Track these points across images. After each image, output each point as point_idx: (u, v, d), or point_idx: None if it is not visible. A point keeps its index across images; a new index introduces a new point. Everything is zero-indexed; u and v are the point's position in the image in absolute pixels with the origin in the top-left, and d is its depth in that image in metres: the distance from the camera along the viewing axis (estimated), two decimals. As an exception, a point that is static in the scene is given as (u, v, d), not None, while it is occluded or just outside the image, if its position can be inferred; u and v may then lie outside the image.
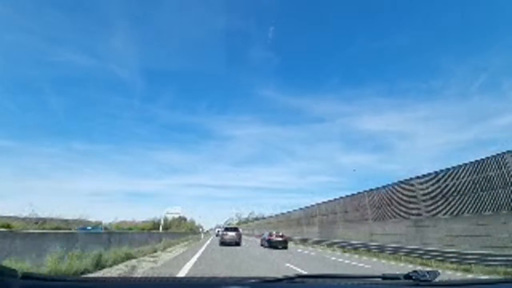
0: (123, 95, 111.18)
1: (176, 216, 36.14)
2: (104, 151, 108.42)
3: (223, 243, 21.09)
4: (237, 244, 21.60)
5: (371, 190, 20.21)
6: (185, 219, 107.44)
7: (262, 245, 21.82)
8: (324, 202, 28.37)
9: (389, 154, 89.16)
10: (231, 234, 22.36)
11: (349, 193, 24.66)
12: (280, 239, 20.16)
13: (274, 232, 21.99)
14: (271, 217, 49.81)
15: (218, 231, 34.58)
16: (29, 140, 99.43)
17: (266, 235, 22.03)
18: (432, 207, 13.26)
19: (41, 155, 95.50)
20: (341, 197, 24.58)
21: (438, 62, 75.47)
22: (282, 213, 41.12)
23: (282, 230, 36.10)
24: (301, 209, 35.94)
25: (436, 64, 74.97)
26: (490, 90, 64.90)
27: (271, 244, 19.24)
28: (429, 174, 14.98)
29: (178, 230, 43.84)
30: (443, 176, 14.48)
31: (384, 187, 18.94)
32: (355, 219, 21.76)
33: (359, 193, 21.64)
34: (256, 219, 75.86)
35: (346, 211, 23.88)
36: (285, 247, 19.51)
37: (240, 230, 28.68)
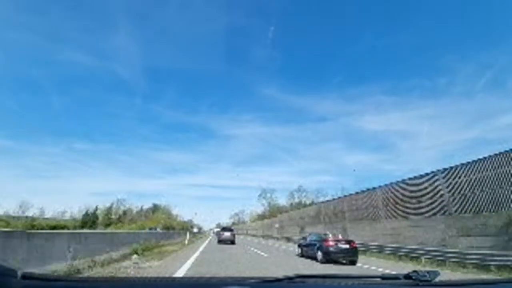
0: (124, 94, 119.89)
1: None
2: (106, 151, 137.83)
3: (220, 241, 26.30)
4: (232, 242, 25.97)
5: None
6: (157, 207, 79.46)
7: (303, 255, 16.29)
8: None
9: (392, 154, 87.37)
10: (227, 234, 26.69)
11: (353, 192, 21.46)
12: (346, 246, 13.61)
13: (330, 235, 15.13)
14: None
15: (217, 231, 34.09)
16: (30, 140, 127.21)
17: (311, 239, 16.10)
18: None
19: (42, 154, 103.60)
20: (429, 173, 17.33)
21: (443, 60, 72.41)
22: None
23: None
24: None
25: (441, 62, 72.02)
26: (495, 88, 61.95)
27: (329, 256, 13.31)
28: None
29: (118, 230, 29.51)
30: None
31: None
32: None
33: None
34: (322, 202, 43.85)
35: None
36: (354, 262, 13.60)
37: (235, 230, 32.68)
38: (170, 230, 43.47)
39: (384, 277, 1.24)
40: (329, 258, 13.32)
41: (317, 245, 14.27)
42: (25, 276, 1.08)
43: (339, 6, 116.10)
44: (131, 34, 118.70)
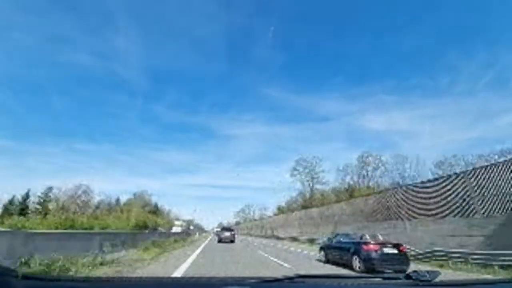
0: (125, 94, 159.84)
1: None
2: (106, 151, 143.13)
3: (220, 240, 27.18)
4: (232, 241, 27.02)
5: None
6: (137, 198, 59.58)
7: (328, 261, 14.16)
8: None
9: (394, 153, 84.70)
10: (226, 234, 27.08)
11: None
12: (393, 251, 11.05)
13: (367, 236, 12.47)
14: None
15: (217, 231, 43.09)
16: (30, 140, 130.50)
17: (339, 240, 13.96)
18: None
19: (42, 155, 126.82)
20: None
21: (445, 58, 71.09)
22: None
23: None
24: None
25: (443, 61, 70.64)
26: (497, 87, 60.27)
27: (371, 264, 10.75)
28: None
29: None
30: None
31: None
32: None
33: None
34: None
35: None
36: (403, 272, 7.31)
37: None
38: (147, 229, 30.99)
39: (384, 277, 1.25)
40: (371, 266, 10.58)
41: (353, 249, 11.68)
42: (25, 276, 1.14)
43: (340, 5, 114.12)
44: (132, 34, 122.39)
